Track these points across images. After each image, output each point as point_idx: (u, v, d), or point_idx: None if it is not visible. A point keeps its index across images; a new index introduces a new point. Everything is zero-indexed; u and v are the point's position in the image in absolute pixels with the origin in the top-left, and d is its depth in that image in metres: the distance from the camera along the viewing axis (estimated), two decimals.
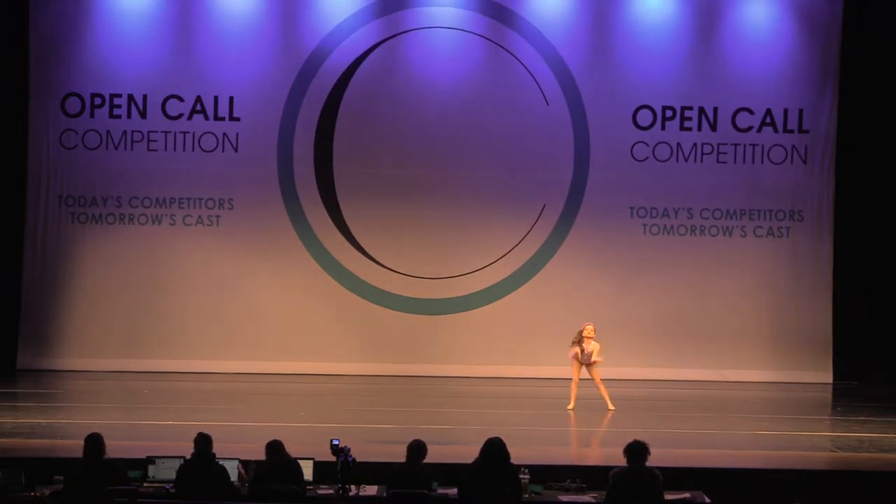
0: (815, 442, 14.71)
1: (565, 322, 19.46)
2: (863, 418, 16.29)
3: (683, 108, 19.88)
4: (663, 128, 19.86)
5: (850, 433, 15.09)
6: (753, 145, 19.84)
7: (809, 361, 19.76)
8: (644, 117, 19.85)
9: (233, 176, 19.80)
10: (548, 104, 19.80)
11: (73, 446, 12.83)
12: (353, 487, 10.54)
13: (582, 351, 16.45)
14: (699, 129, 19.86)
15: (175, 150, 19.78)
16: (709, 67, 19.87)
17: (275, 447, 10.69)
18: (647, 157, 19.88)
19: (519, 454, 10.93)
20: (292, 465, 10.68)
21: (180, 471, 10.63)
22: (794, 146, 19.84)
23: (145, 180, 19.77)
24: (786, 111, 19.82)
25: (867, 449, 14.05)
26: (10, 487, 10.85)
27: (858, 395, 18.65)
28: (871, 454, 13.75)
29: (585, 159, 19.87)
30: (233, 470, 10.82)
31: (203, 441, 10.59)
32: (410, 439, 10.83)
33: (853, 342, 19.66)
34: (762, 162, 19.85)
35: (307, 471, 11.03)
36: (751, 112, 19.84)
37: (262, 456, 10.90)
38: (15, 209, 19.67)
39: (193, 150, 19.79)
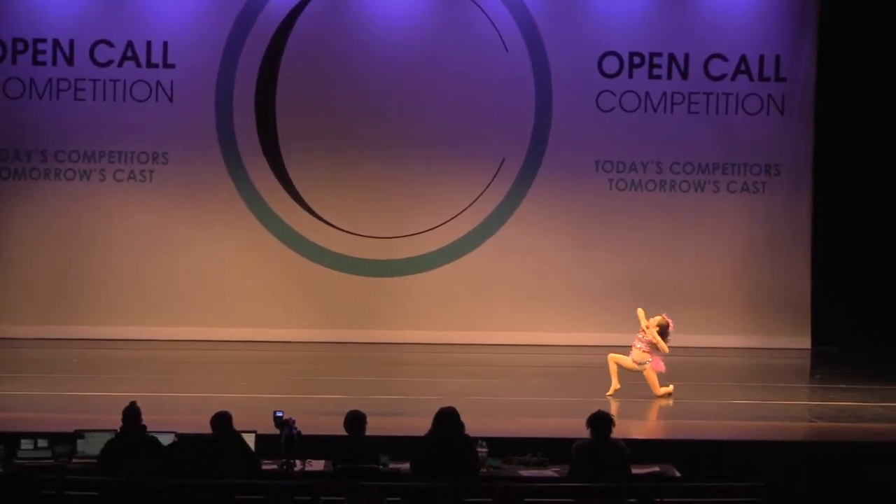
0: (791, 411, 14.82)
1: (526, 283, 19.55)
2: (842, 386, 16.37)
3: (652, 55, 19.84)
4: (630, 76, 19.81)
5: (829, 402, 15.20)
6: (727, 94, 19.84)
7: (786, 325, 19.83)
8: (610, 64, 19.80)
9: (167, 128, 19.60)
10: (507, 50, 19.72)
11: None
12: (298, 462, 10.50)
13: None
14: (669, 77, 19.83)
15: (105, 99, 19.57)
16: (679, 11, 19.83)
17: (220, 420, 10.59)
18: (613, 108, 19.83)
19: (477, 426, 10.91)
20: (234, 439, 10.59)
21: (107, 445, 10.55)
22: (770, 95, 19.85)
23: (72, 132, 19.57)
24: (762, 57, 19.81)
25: (846, 419, 14.15)
26: None
27: (838, 361, 18.74)
28: (851, 424, 13.85)
29: (547, 110, 19.82)
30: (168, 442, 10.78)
31: (132, 412, 10.52)
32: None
33: (833, 305, 19.70)
34: (736, 112, 19.85)
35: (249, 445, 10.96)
36: (724, 59, 19.82)
37: (197, 429, 10.86)
38: None
39: (125, 99, 19.59)
